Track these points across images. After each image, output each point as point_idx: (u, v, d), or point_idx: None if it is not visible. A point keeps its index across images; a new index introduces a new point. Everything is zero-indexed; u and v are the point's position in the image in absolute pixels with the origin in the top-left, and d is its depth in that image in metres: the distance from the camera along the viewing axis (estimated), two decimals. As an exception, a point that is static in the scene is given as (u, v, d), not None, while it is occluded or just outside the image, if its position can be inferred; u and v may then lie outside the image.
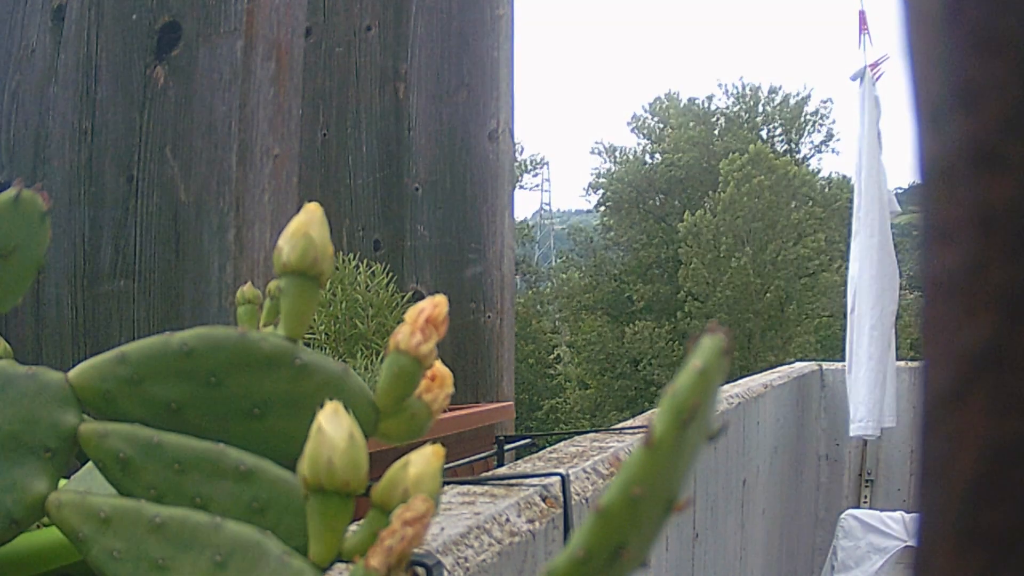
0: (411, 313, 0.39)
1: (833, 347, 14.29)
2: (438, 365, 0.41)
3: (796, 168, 16.36)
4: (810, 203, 16.47)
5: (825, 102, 19.23)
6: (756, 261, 15.63)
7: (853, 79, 3.52)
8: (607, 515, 0.25)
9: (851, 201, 3.53)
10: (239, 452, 0.40)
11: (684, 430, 0.25)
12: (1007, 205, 0.15)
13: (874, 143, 3.39)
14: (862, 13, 3.52)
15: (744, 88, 19.10)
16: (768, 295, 15.70)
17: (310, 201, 0.41)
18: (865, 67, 3.48)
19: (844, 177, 17.26)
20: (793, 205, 16.26)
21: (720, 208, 15.91)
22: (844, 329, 3.50)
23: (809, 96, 18.80)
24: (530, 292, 17.93)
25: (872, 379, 3.21)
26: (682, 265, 16.31)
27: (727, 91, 19.44)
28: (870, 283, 3.27)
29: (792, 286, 15.81)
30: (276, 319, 0.52)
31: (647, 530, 0.26)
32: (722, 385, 0.27)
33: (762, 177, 15.65)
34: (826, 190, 17.08)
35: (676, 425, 0.25)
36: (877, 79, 3.47)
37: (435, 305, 0.39)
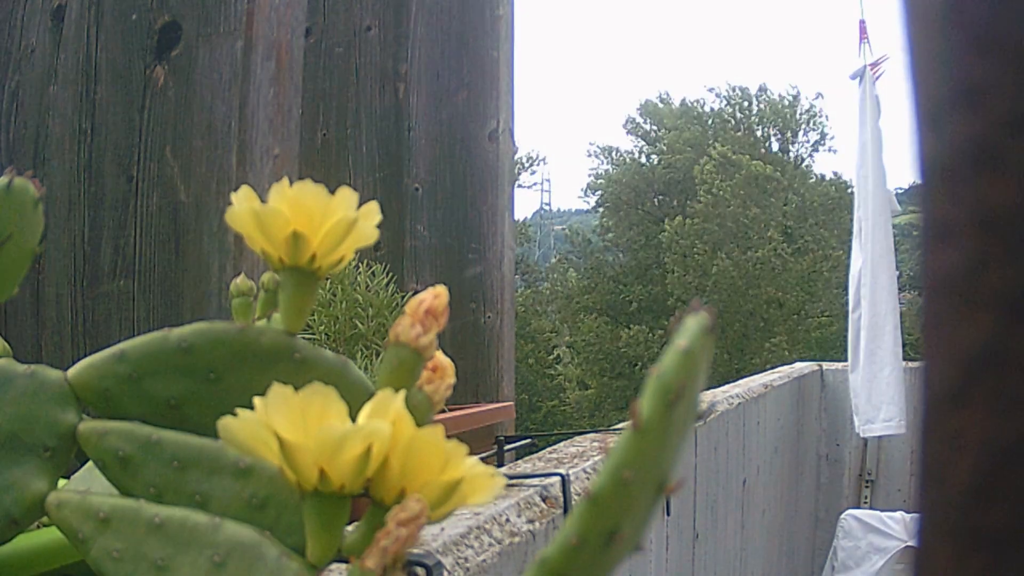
0: (411, 304, 0.39)
1: (831, 347, 14.26)
2: (439, 356, 0.40)
3: (763, 167, 16.24)
4: (806, 203, 16.44)
5: (816, 98, 19.21)
6: (739, 264, 15.56)
7: (852, 78, 3.53)
8: (598, 500, 0.25)
9: (846, 200, 3.56)
10: (238, 450, 0.40)
11: (671, 411, 0.24)
12: (1007, 205, 0.15)
13: (874, 142, 3.40)
14: (862, 23, 3.52)
15: (734, 90, 19.08)
16: (763, 297, 15.68)
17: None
18: (865, 66, 3.48)
19: (838, 176, 17.24)
20: (784, 207, 16.22)
21: (699, 216, 15.86)
22: (846, 328, 3.51)
23: (798, 94, 18.80)
24: (529, 292, 17.91)
25: (898, 377, 3.23)
26: (668, 273, 16.29)
27: (717, 93, 19.41)
28: (888, 283, 3.28)
29: (786, 287, 15.79)
30: (270, 311, 0.52)
31: (639, 514, 0.26)
32: (708, 364, 0.26)
33: (730, 181, 15.58)
34: (819, 190, 17.05)
35: (663, 406, 0.24)
36: (877, 78, 3.48)
37: (435, 296, 0.39)
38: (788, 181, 16.22)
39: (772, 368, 3.80)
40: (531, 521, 0.80)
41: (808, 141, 18.96)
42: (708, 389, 2.16)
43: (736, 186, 15.56)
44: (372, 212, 0.39)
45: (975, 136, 0.16)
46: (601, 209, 18.92)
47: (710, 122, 18.90)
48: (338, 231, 0.38)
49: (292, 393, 0.30)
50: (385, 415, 0.31)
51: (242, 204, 0.38)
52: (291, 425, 0.30)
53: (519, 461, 1.13)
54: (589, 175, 19.45)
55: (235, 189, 0.38)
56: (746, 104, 18.89)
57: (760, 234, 15.64)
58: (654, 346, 15.70)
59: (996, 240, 0.16)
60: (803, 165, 18.15)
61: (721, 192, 15.54)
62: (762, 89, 19.01)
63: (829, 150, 19.22)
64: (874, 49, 3.53)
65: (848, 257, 3.62)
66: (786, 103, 18.62)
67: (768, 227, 15.69)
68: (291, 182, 0.38)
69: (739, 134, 18.12)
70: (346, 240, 0.39)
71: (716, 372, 13.79)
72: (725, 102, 19.01)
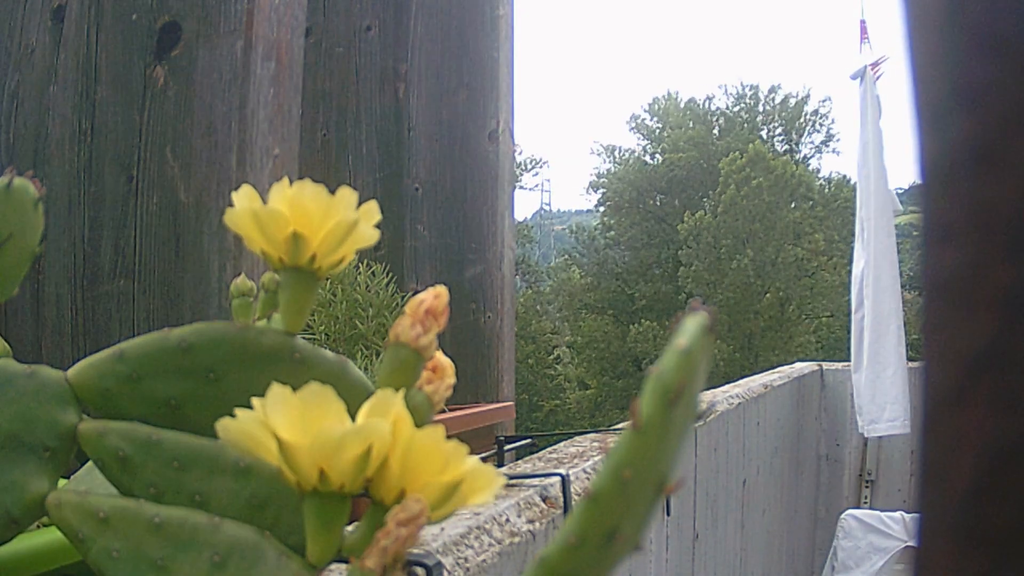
0: (411, 304, 0.39)
1: (833, 347, 14.27)
2: (439, 356, 0.40)
3: (794, 167, 16.32)
4: (810, 203, 16.48)
5: (824, 101, 19.25)
6: (756, 262, 15.60)
7: (853, 78, 3.53)
8: (598, 500, 0.25)
9: (851, 201, 3.57)
10: (238, 450, 0.40)
11: (671, 411, 0.24)
12: (1007, 205, 0.15)
13: (875, 142, 3.40)
14: (863, 23, 3.53)
15: (744, 88, 19.12)
16: (768, 296, 15.69)
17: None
18: (865, 66, 3.48)
19: (844, 177, 17.27)
20: (792, 205, 16.26)
21: (720, 209, 15.90)
22: (849, 328, 3.51)
23: (808, 96, 18.82)
24: (530, 292, 17.90)
25: (902, 377, 3.23)
26: (682, 266, 16.28)
27: (727, 91, 19.47)
28: (891, 283, 3.28)
29: (792, 286, 15.80)
30: (270, 312, 0.52)
31: (639, 513, 0.26)
32: (707, 364, 0.26)
33: (761, 178, 15.63)
34: (825, 190, 17.09)
35: (663, 406, 0.24)
36: (877, 79, 3.48)
37: (436, 296, 0.38)
38: (797, 181, 16.26)
39: (774, 367, 3.80)
40: (531, 521, 0.80)
41: (813, 142, 18.99)
42: (708, 389, 2.15)
43: (764, 184, 15.57)
44: (372, 212, 0.39)
45: (975, 136, 0.16)
46: (602, 208, 18.93)
47: (717, 121, 18.92)
48: (338, 232, 0.38)
49: (291, 393, 0.30)
50: (385, 415, 0.31)
51: (242, 204, 0.38)
52: (290, 425, 0.30)
53: (519, 461, 1.13)
54: (591, 174, 19.49)
55: (235, 189, 0.38)
56: (753, 103, 18.91)
57: (778, 233, 15.66)
58: (661, 342, 15.65)
59: (996, 240, 0.15)
60: (807, 166, 18.19)
61: (745, 189, 15.55)
62: (772, 89, 19.04)
63: (833, 151, 19.26)
64: (875, 49, 3.53)
65: (851, 257, 3.63)
66: (791, 104, 18.64)
67: (788, 227, 15.71)
68: (291, 182, 0.38)
69: (745, 132, 18.14)
70: (346, 241, 0.39)
71: (728, 370, 13.79)
72: (734, 100, 19.02)
